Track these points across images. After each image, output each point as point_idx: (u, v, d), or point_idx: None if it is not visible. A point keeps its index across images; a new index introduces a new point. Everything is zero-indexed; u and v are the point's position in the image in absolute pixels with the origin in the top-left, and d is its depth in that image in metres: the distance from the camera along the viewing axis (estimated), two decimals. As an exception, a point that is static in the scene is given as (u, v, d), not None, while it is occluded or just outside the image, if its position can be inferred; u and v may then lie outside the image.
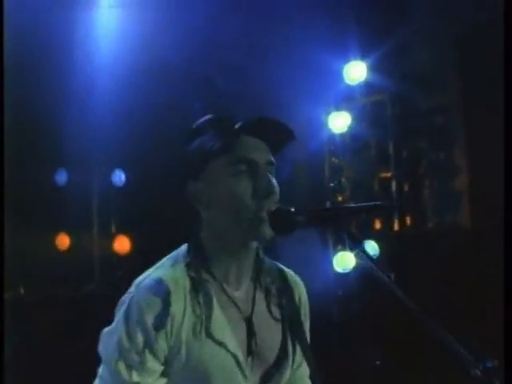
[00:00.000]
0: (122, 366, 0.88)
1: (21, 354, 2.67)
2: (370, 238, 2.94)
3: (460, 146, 3.14)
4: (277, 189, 0.93)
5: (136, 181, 3.68)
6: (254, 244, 0.97)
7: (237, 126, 0.92)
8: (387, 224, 3.18)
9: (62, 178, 3.93)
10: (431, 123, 3.19)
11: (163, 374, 0.92)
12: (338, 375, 2.87)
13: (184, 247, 0.99)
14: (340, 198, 3.08)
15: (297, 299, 1.05)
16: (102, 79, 3.05)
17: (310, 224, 0.89)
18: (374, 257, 2.73)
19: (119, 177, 3.79)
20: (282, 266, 1.07)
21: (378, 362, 2.92)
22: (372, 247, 2.82)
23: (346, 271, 2.89)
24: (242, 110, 0.99)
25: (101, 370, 0.93)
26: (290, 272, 1.08)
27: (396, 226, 3.19)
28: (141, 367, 0.88)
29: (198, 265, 0.94)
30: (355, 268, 2.80)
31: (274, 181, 0.94)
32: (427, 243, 2.95)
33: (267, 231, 0.91)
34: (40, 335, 3.07)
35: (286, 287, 1.03)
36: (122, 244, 3.78)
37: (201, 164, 0.95)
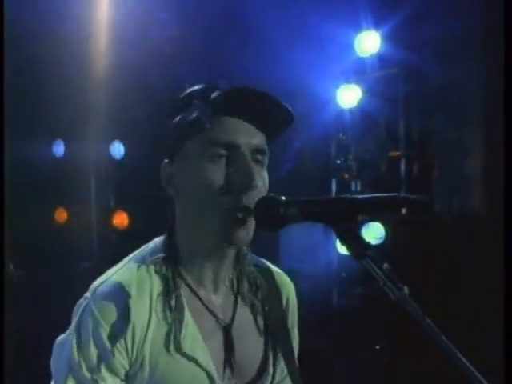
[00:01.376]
0: None
1: (16, 332, 2.63)
2: (375, 219, 2.84)
3: (474, 127, 2.99)
4: (257, 182, 0.74)
5: (135, 153, 3.58)
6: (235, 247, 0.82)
7: (213, 96, 0.74)
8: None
9: (59, 149, 3.85)
10: (446, 101, 3.02)
11: None
12: (338, 358, 2.85)
13: (153, 244, 0.85)
14: (346, 176, 2.97)
15: (284, 303, 0.92)
16: (102, 50, 2.94)
17: (304, 219, 0.70)
18: (380, 240, 2.60)
19: (118, 149, 3.69)
20: (267, 264, 0.93)
21: (377, 347, 2.87)
22: (378, 230, 2.73)
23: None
24: (244, 82, 0.80)
25: None
26: (276, 271, 0.94)
27: (403, 209, 3.07)
28: None
29: (170, 267, 0.80)
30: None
31: (255, 171, 0.75)
32: (435, 226, 2.84)
33: (242, 236, 0.75)
34: (36, 311, 3.05)
35: (271, 291, 0.89)
36: (121, 219, 3.72)
37: (177, 143, 0.79)
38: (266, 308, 0.88)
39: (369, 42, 2.79)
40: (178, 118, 0.80)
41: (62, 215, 3.86)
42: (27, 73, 3.08)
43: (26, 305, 3.13)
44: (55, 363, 0.81)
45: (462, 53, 2.85)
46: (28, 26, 2.76)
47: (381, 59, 2.84)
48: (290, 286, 0.95)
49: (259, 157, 0.78)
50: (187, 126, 0.77)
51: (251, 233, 0.77)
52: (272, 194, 0.75)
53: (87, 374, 0.75)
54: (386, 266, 0.63)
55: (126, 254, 0.86)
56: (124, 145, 3.66)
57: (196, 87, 0.81)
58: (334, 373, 2.80)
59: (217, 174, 0.75)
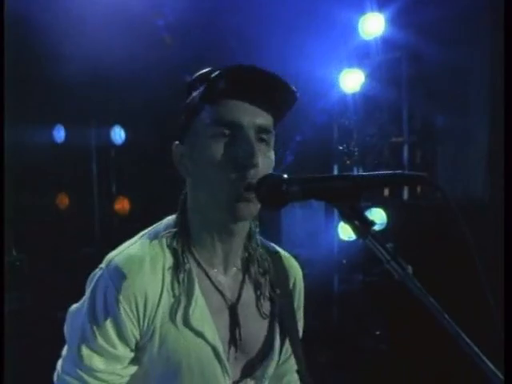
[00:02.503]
0: (85, 352, 0.78)
1: (18, 318, 2.65)
2: (376, 205, 2.83)
3: (479, 112, 2.94)
4: (258, 159, 0.74)
5: (136, 138, 3.55)
6: (243, 224, 0.83)
7: (213, 75, 0.74)
8: (396, 191, 3.04)
9: (59, 134, 3.83)
10: (450, 86, 2.97)
11: (134, 361, 0.82)
12: (338, 343, 2.87)
13: (167, 220, 0.86)
14: (348, 162, 2.95)
15: (291, 285, 0.94)
16: (104, 34, 2.89)
17: (306, 196, 0.70)
18: (381, 226, 2.59)
19: (119, 134, 3.67)
20: (276, 248, 0.95)
21: (377, 333, 2.89)
22: (379, 215, 2.72)
23: (351, 239, 2.79)
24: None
25: (64, 351, 0.84)
26: (285, 254, 0.96)
27: (405, 195, 3.06)
28: (107, 354, 0.78)
29: (182, 243, 0.82)
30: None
31: (258, 149, 0.75)
32: (437, 213, 2.82)
33: (245, 210, 0.75)
34: (38, 294, 3.06)
35: (279, 273, 0.91)
36: (122, 204, 3.72)
37: (185, 124, 0.81)
38: (273, 290, 0.89)
39: (373, 25, 2.73)
40: (186, 101, 0.82)
41: (63, 201, 3.87)
42: (27, 58, 3.05)
43: (28, 288, 3.15)
44: (69, 330, 0.83)
45: (468, 36, 2.78)
46: (29, 10, 2.72)
47: (385, 42, 2.79)
48: (297, 269, 0.96)
49: (264, 136, 0.78)
50: (193, 107, 0.79)
51: (255, 208, 0.77)
52: (274, 173, 0.75)
53: (99, 341, 0.77)
54: (389, 245, 0.63)
55: (128, 239, 0.86)
56: (125, 130, 3.64)
57: (204, 70, 0.82)
58: (334, 358, 2.82)
59: (220, 152, 0.76)
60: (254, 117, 0.76)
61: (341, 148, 2.97)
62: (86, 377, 0.78)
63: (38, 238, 3.37)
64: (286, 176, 0.72)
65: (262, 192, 0.72)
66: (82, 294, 0.84)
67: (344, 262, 2.99)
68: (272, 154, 0.80)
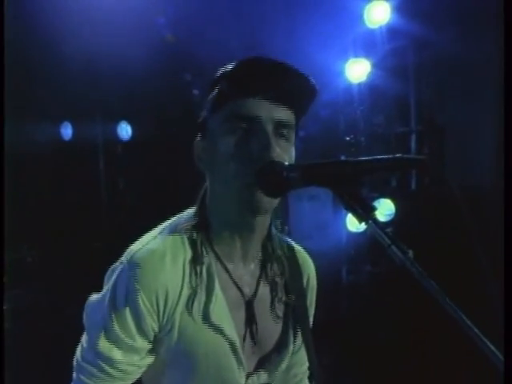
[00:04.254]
0: (105, 344, 0.80)
1: (28, 314, 2.69)
2: (384, 196, 2.81)
3: (487, 101, 2.91)
4: (273, 153, 0.74)
5: (143, 134, 3.56)
6: (261, 220, 0.82)
7: (230, 71, 0.76)
8: (404, 181, 3.02)
9: (67, 131, 3.85)
10: (458, 75, 2.93)
11: (151, 352, 0.84)
12: (346, 333, 2.87)
13: (187, 214, 0.86)
14: (355, 153, 2.93)
15: (305, 282, 0.95)
16: (108, 31, 2.90)
17: (306, 183, 0.70)
18: (390, 217, 2.58)
19: (125, 130, 3.68)
20: (291, 243, 0.96)
21: (386, 323, 2.88)
22: (387, 206, 2.70)
23: (359, 230, 2.79)
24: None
25: (83, 338, 0.85)
26: (300, 251, 0.97)
27: (413, 184, 3.04)
28: (126, 345, 0.80)
29: (201, 235, 0.82)
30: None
31: (275, 143, 0.74)
32: (446, 203, 2.79)
33: (263, 203, 0.75)
34: (50, 293, 3.10)
35: (293, 269, 0.92)
36: (130, 199, 3.74)
37: (205, 120, 0.82)
38: (288, 293, 0.90)
39: (379, 13, 2.70)
40: (208, 97, 0.82)
41: (72, 197, 3.89)
42: (33, 56, 3.06)
43: (41, 284, 3.19)
44: (88, 321, 0.84)
45: (476, 23, 2.74)
46: (33, 7, 2.73)
47: (391, 31, 2.75)
48: (311, 265, 0.97)
49: (284, 131, 0.77)
50: (212, 103, 0.80)
51: (270, 201, 0.77)
52: (275, 160, 0.74)
53: (119, 335, 0.79)
54: (389, 229, 0.64)
55: (136, 235, 0.86)
56: (131, 126, 3.64)
57: (226, 67, 0.81)
58: (342, 349, 2.82)
59: (236, 145, 0.76)
60: (272, 111, 0.76)
61: (347, 138, 2.96)
62: (105, 366, 0.80)
63: (47, 234, 3.41)
64: (286, 163, 0.73)
65: (263, 179, 0.72)
66: (93, 288, 0.85)
67: (352, 252, 2.98)
68: (292, 150, 0.80)
